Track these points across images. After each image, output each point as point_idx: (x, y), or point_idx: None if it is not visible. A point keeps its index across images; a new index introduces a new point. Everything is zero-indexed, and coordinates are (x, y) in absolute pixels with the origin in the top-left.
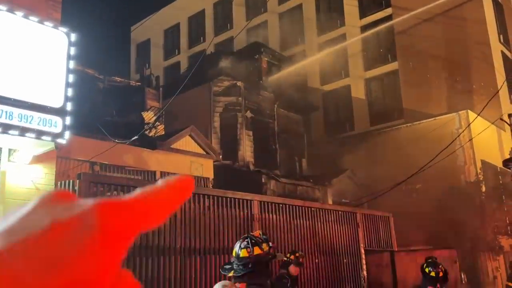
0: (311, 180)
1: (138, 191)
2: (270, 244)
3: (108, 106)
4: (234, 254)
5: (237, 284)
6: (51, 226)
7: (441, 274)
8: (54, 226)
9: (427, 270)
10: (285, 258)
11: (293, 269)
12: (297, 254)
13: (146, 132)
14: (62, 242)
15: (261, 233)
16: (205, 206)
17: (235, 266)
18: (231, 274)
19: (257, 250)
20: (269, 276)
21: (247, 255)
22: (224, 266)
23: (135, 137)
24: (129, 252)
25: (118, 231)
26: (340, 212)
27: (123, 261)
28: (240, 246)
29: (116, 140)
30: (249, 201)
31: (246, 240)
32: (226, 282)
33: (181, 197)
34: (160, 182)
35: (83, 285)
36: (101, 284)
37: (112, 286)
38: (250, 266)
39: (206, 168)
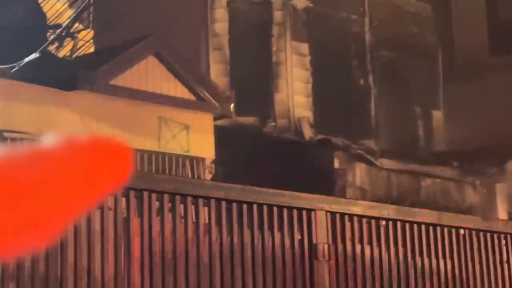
0: (456, 163)
1: (9, 150)
2: None
3: None
4: None
5: None
6: None
7: None
8: None
9: None
10: None
11: None
12: None
13: (52, 48)
14: None
15: None
16: (199, 227)
17: None
18: None
19: None
20: None
21: None
22: None
23: (29, 59)
24: None
25: None
26: None
27: None
28: None
29: None
30: (305, 212)
31: None
32: None
33: (102, 174)
34: (58, 139)
35: None
36: None
37: None
38: None
39: (196, 135)
